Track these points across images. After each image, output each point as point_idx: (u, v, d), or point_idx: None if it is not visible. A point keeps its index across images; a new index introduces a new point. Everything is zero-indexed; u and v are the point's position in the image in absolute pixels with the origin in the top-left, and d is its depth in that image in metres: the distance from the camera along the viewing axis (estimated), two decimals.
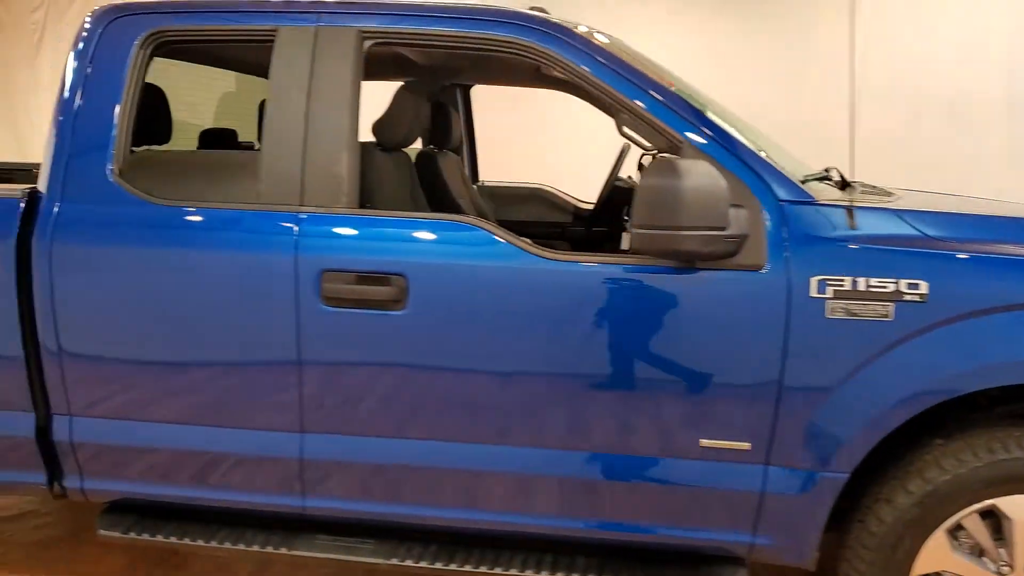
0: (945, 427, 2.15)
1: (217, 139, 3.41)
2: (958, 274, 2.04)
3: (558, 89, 3.74)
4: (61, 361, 2.38)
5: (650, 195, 1.97)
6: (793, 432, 2.11)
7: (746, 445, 2.14)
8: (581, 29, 2.30)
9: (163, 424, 2.39)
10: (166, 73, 2.93)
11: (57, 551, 3.20)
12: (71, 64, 2.44)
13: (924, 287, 2.01)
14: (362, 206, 2.34)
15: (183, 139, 3.18)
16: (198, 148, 3.31)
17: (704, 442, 2.16)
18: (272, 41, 2.36)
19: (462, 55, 2.96)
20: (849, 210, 2.13)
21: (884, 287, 2.03)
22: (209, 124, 3.57)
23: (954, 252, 2.06)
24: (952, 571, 2.13)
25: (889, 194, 2.58)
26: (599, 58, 2.23)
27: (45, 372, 2.40)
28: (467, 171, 4.17)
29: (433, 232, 2.28)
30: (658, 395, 2.15)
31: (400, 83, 2.95)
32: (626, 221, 3.72)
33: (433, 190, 3.31)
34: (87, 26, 2.45)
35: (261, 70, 3.55)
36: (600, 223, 3.70)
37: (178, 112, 2.91)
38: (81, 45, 2.43)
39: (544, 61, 2.25)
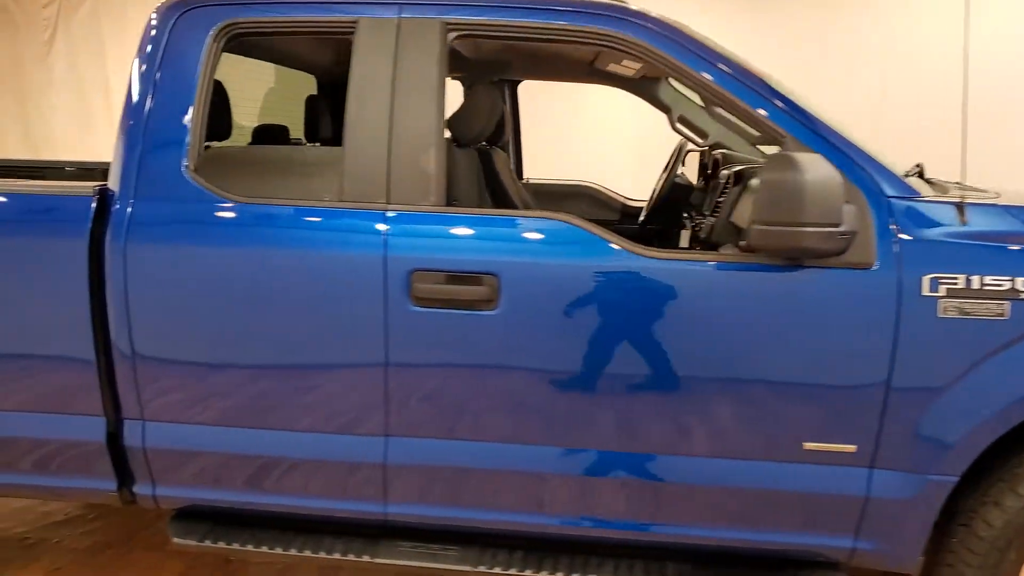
0: None
1: (270, 135, 3.34)
2: None
3: (611, 85, 3.69)
4: (134, 364, 2.30)
5: (771, 190, 1.92)
6: (900, 434, 2.06)
7: (851, 448, 2.09)
8: (682, 24, 2.25)
9: (239, 429, 2.31)
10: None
11: (106, 557, 3.14)
12: (139, 62, 2.37)
13: None
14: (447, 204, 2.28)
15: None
16: (250, 144, 3.23)
17: (808, 445, 2.11)
18: (352, 34, 2.29)
19: (533, 49, 2.90)
20: (959, 206, 2.08)
21: (999, 285, 1.98)
22: (248, 121, 3.48)
23: None
24: None
25: (984, 191, 2.53)
26: (720, 65, 2.18)
27: (117, 376, 2.33)
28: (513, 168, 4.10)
29: (526, 230, 2.22)
30: (763, 396, 2.10)
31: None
32: (686, 219, 3.68)
33: (493, 187, 3.25)
34: (154, 22, 2.38)
35: (328, 67, 3.54)
36: (654, 221, 3.64)
37: None
38: (150, 44, 2.36)
39: (649, 59, 2.21)
